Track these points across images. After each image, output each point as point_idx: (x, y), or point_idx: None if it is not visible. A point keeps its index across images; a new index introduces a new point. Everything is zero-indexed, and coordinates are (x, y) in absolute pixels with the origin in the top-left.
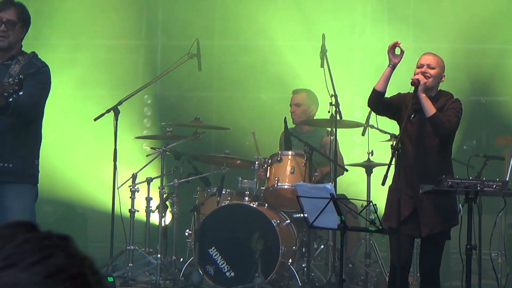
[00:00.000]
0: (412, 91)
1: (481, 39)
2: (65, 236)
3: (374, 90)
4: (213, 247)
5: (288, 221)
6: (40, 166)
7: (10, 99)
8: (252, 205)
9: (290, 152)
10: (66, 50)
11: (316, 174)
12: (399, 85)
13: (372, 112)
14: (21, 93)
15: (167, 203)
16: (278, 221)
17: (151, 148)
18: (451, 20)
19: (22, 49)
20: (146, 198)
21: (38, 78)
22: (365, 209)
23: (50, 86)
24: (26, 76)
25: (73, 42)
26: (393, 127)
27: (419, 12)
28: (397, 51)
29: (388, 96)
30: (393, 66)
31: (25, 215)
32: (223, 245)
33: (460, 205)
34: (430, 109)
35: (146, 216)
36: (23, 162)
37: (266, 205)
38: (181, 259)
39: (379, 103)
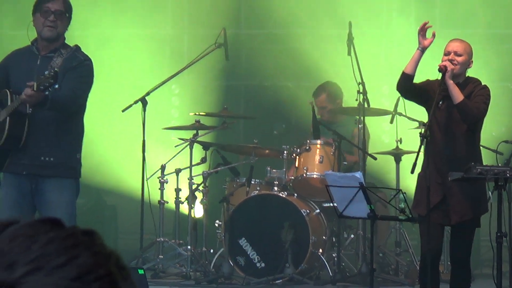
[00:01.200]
0: (440, 78)
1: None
2: (90, 232)
3: (403, 73)
4: (243, 238)
5: (318, 210)
6: None
7: (47, 92)
8: (281, 195)
9: (318, 141)
10: (93, 41)
11: (345, 163)
12: (426, 72)
13: (400, 100)
14: (56, 86)
15: (197, 194)
16: (308, 211)
17: (180, 138)
18: (480, 5)
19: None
20: (175, 189)
21: (80, 72)
22: (394, 198)
23: (93, 80)
24: (68, 69)
25: (99, 32)
26: (421, 114)
27: None
28: (428, 35)
29: (417, 82)
30: (422, 49)
31: (66, 209)
32: (253, 236)
33: (489, 192)
34: (457, 96)
35: (175, 207)
36: (64, 155)
37: (296, 194)
38: (211, 250)
39: (408, 86)
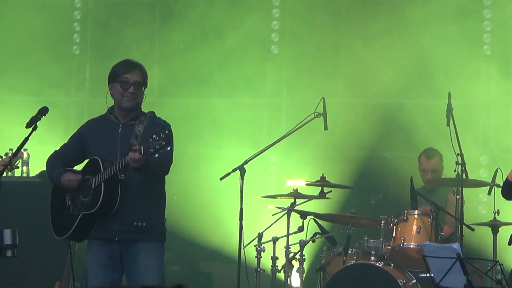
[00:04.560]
0: None
1: None
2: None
3: (507, 181)
4: None
5: (414, 280)
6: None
7: (156, 155)
8: (378, 264)
9: (416, 211)
10: (190, 108)
11: (442, 233)
12: None
13: (499, 171)
14: (168, 148)
15: (293, 262)
16: (405, 281)
17: (277, 207)
18: None
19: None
20: (271, 257)
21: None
22: (491, 269)
23: (173, 145)
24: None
25: (196, 99)
26: None
27: None
28: None
29: None
30: None
31: (158, 274)
32: None
33: None
34: None
35: (271, 276)
36: (154, 220)
37: (392, 264)
38: None
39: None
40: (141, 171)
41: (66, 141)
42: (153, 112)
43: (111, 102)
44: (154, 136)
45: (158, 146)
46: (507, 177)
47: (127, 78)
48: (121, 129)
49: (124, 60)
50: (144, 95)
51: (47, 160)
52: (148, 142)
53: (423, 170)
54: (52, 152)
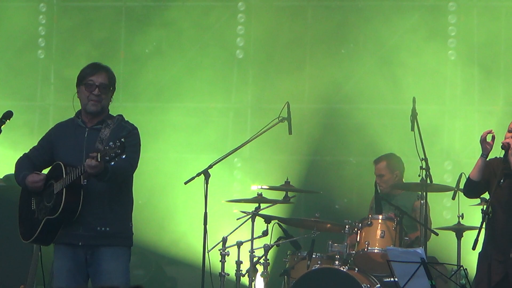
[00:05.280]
0: (502, 155)
1: None
2: None
3: (469, 180)
4: None
5: (379, 285)
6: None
7: (112, 163)
8: (342, 269)
9: (380, 216)
10: (155, 113)
11: (406, 238)
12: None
13: (463, 176)
14: (123, 156)
15: (257, 266)
16: (369, 285)
17: (241, 211)
18: None
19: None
20: (236, 261)
21: (130, 141)
22: (455, 274)
23: (140, 148)
24: (117, 139)
25: (162, 105)
26: None
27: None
28: (488, 138)
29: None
30: (486, 156)
31: (122, 278)
32: None
33: None
34: None
35: (236, 280)
36: (119, 225)
37: (356, 269)
38: None
39: (475, 191)
40: (99, 178)
41: (36, 144)
42: (121, 115)
43: (78, 106)
44: (110, 143)
45: (113, 154)
46: (469, 176)
47: (93, 80)
48: (87, 133)
49: (91, 63)
50: (111, 99)
51: (16, 162)
52: (104, 150)
53: (377, 179)
54: (22, 155)
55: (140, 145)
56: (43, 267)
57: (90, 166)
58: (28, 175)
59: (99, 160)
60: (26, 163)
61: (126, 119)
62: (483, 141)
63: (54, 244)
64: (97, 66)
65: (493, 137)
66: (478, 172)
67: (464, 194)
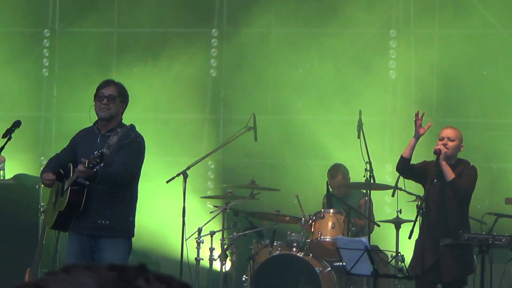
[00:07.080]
0: (435, 159)
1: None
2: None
3: (401, 157)
4: None
5: (329, 268)
6: None
7: (96, 169)
8: (299, 255)
9: (331, 211)
10: (145, 121)
11: (353, 228)
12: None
13: (401, 177)
14: (102, 164)
15: (227, 252)
16: (321, 269)
17: (214, 206)
18: (471, 97)
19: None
20: (209, 248)
21: (131, 149)
22: (394, 259)
23: (144, 155)
24: (121, 146)
25: (150, 114)
26: (418, 189)
27: (442, 90)
28: (424, 124)
29: (415, 163)
30: (417, 137)
31: None
32: None
33: (475, 256)
34: (449, 175)
35: (209, 264)
36: (118, 219)
37: (311, 255)
38: None
39: (405, 168)
40: (89, 181)
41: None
42: (132, 125)
43: (94, 116)
44: (95, 152)
45: (94, 162)
46: (401, 154)
47: (103, 92)
48: (100, 139)
49: (105, 80)
50: (122, 109)
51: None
52: (90, 158)
53: (330, 184)
54: (54, 154)
55: (140, 153)
56: (45, 252)
57: (79, 171)
58: (45, 172)
59: (86, 166)
60: (52, 161)
61: (136, 129)
62: (419, 126)
63: (69, 231)
64: (108, 81)
65: (429, 125)
66: (409, 150)
67: (397, 170)
